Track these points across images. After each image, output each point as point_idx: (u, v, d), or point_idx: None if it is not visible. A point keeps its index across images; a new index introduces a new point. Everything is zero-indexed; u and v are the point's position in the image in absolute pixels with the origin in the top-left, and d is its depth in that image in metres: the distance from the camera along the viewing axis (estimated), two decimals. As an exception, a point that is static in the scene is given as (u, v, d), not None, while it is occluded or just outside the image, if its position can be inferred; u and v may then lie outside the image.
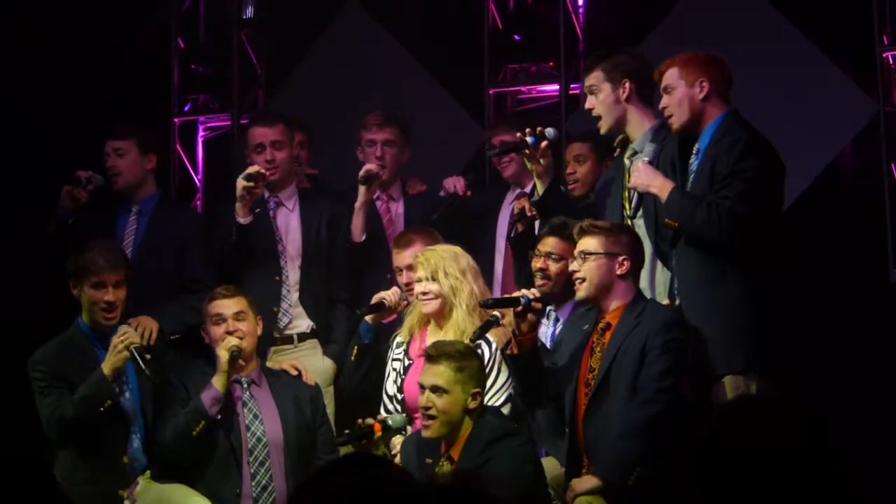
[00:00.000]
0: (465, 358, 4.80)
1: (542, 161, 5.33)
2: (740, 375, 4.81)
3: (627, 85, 5.29)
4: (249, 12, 7.91)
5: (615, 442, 4.72)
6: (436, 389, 4.76)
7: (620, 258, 4.89)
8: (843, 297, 6.31)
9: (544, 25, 7.32)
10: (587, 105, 5.39)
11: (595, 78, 5.35)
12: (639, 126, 5.32)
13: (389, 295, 5.53)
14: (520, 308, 4.87)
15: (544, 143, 5.31)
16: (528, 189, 6.13)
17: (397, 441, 5.18)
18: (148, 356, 5.23)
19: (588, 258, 4.90)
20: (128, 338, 5.20)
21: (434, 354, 4.82)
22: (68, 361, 5.31)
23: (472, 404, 4.77)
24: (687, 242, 4.93)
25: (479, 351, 5.09)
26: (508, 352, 4.99)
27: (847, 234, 6.47)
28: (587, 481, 4.71)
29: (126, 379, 5.35)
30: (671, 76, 5.05)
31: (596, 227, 4.95)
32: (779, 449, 2.24)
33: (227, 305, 5.42)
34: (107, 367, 5.19)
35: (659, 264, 5.24)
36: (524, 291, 4.92)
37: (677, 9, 7.11)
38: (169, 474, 5.35)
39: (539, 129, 5.33)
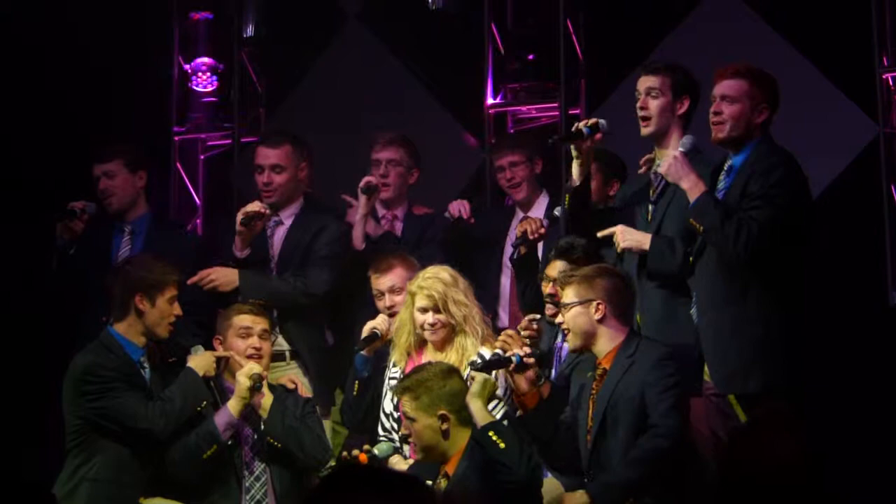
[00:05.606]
0: (420, 386, 4.80)
1: (587, 151, 5.27)
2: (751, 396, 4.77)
3: (687, 102, 5.26)
4: (250, 31, 7.93)
5: (618, 468, 4.73)
6: (407, 417, 4.81)
7: (595, 303, 4.85)
8: (843, 319, 6.29)
9: (545, 45, 7.32)
10: (640, 104, 5.28)
11: (660, 82, 5.26)
12: (676, 145, 5.20)
13: (379, 323, 5.45)
14: (513, 366, 4.85)
15: (598, 136, 5.27)
16: (532, 212, 6.15)
17: (400, 465, 5.12)
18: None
19: (565, 309, 4.91)
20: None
21: (398, 389, 4.88)
22: (115, 366, 5.22)
23: (444, 426, 4.78)
24: (706, 259, 4.91)
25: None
26: (517, 416, 4.95)
27: (847, 256, 6.45)
28: (577, 498, 4.74)
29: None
30: (738, 88, 4.96)
31: (571, 277, 4.93)
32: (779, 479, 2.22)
33: (256, 321, 5.40)
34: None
35: None
36: (515, 350, 4.90)
37: (678, 30, 7.13)
38: (171, 488, 5.28)
39: (594, 120, 5.29)
